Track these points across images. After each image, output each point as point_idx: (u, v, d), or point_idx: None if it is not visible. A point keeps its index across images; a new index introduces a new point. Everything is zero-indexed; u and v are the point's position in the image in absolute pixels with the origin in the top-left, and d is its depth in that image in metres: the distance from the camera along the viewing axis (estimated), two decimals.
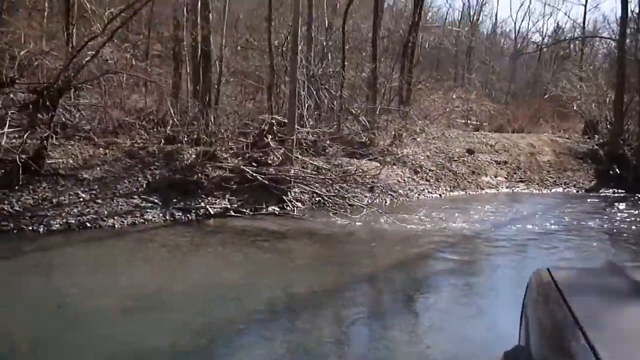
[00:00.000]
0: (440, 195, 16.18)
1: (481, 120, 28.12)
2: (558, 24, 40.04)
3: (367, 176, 15.14)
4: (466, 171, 18.28)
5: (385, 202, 14.35)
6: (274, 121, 14.65)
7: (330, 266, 8.79)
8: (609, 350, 1.06)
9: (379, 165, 16.01)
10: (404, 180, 16.45)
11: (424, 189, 16.25)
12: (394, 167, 16.96)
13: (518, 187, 18.20)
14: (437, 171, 17.63)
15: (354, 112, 18.93)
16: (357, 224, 11.54)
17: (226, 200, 12.97)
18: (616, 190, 18.17)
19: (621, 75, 21.42)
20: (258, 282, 7.77)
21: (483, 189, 17.49)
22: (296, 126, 13.88)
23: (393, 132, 18.86)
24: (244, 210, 12.45)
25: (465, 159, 19.01)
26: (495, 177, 18.62)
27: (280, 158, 14.07)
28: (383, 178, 15.94)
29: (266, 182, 12.81)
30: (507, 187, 18.02)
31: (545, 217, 13.28)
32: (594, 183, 19.20)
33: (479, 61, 39.64)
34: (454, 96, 22.66)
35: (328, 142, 16.97)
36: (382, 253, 9.90)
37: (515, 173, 19.24)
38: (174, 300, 6.83)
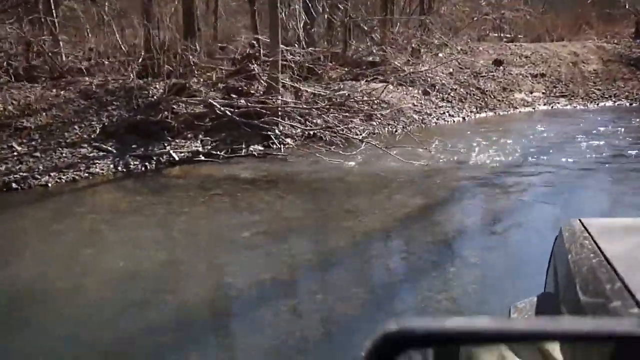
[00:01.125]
0: (464, 119, 13.14)
1: (516, 32, 24.23)
2: None
3: (373, 100, 12.25)
4: (496, 88, 15.01)
5: (396, 131, 11.49)
6: (254, 42, 11.75)
7: (302, 236, 6.19)
8: None
9: (390, 87, 13.06)
10: (421, 102, 13.44)
11: (444, 112, 13.22)
12: (410, 88, 13.94)
13: (559, 103, 14.87)
14: (461, 90, 14.47)
15: (364, 27, 15.69)
16: (353, 163, 8.86)
17: (198, 141, 10.42)
18: None
19: None
20: (187, 269, 5.28)
21: (516, 107, 14.28)
22: (280, 45, 10.96)
23: (410, 48, 15.63)
24: (218, 153, 9.89)
25: (495, 75, 15.67)
26: (531, 93, 15.30)
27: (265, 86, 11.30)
28: (395, 102, 13.02)
29: (236, 117, 10.13)
30: (545, 104, 14.73)
31: (593, 141, 10.18)
32: None
33: None
34: (483, 2, 18.91)
35: (331, 64, 14.01)
36: (374, 209, 7.14)
37: (555, 87, 15.83)
38: (40, 308, 4.47)
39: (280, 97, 10.94)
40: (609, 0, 28.95)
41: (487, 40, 20.45)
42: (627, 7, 21.16)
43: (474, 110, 13.68)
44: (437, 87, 14.28)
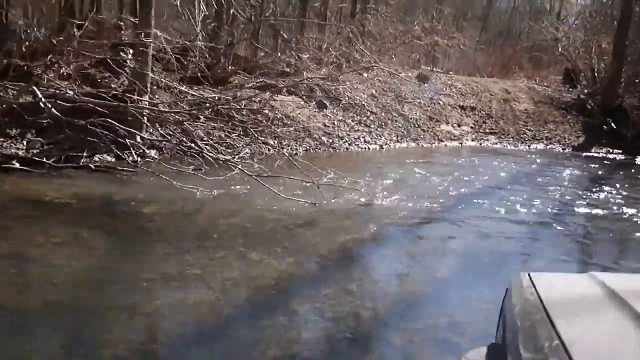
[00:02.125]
0: (381, 147, 10.78)
1: (448, 65, 22.69)
2: None
3: (276, 115, 9.70)
4: (421, 116, 12.86)
5: (296, 154, 8.94)
6: (120, 23, 8.89)
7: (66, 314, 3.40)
8: (581, 350, 1.03)
9: (302, 102, 10.59)
10: (334, 124, 11.01)
11: (359, 138, 10.83)
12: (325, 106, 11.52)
13: (488, 140, 12.89)
14: (382, 115, 12.18)
15: (280, 31, 13.18)
16: (215, 192, 6.18)
17: (23, 142, 7.44)
18: (611, 150, 13.04)
19: (629, 9, 15.98)
20: None
21: (442, 140, 12.14)
22: (154, 30, 8.18)
23: (329, 59, 13.26)
24: (45, 160, 6.93)
25: (422, 102, 13.55)
26: (459, 126, 13.26)
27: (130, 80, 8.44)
28: (303, 119, 10.53)
29: (61, 115, 7.22)
30: (473, 140, 12.69)
31: (522, 190, 8.01)
32: (582, 139, 14.01)
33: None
34: (416, 26, 16.98)
35: (232, 67, 11.37)
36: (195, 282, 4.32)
37: (484, 122, 13.91)
38: None
39: (148, 98, 8.13)
40: (539, 45, 28.31)
41: (418, 69, 18.54)
42: (560, 50, 19.92)
43: (394, 138, 11.38)
44: (355, 108, 11.93)
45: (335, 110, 11.58)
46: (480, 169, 9.25)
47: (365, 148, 10.44)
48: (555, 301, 1.34)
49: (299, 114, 10.57)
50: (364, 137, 10.86)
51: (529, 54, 26.37)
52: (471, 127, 13.35)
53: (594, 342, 1.12)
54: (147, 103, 8.11)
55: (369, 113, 11.96)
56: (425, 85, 13.91)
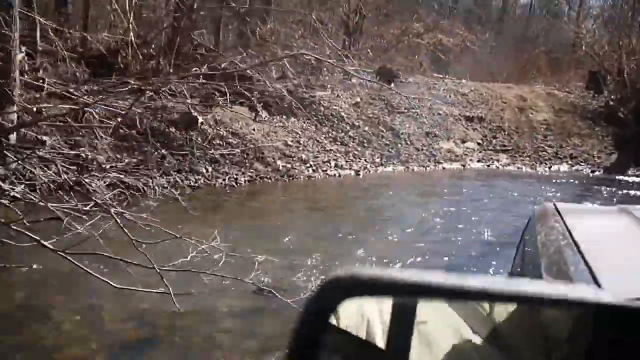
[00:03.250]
0: (357, 173, 8.09)
1: (457, 70, 19.88)
2: None
3: (219, 132, 7.14)
4: (416, 131, 10.14)
5: (240, 184, 6.35)
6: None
7: None
8: (607, 273, 0.90)
9: (261, 115, 8.06)
10: (300, 143, 8.38)
11: (329, 160, 8.16)
12: (293, 119, 8.92)
13: (498, 160, 10.10)
14: (366, 129, 9.52)
15: (242, 26, 10.57)
16: (35, 266, 3.65)
17: None
18: None
19: None
20: None
21: (440, 162, 9.38)
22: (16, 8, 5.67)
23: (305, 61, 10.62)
24: None
25: (419, 112, 10.82)
26: (463, 142, 10.49)
27: None
28: (258, 137, 7.93)
29: None
30: (480, 160, 9.92)
31: None
32: (615, 158, 11.15)
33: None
34: (416, 24, 14.23)
35: (170, 70, 8.81)
36: None
37: (495, 137, 11.12)
38: None
39: (13, 109, 5.62)
40: (559, 46, 25.27)
41: (422, 74, 15.79)
42: (584, 48, 16.98)
43: (377, 160, 8.70)
44: (332, 120, 9.30)
45: (305, 125, 8.96)
46: (487, 211, 6.47)
47: (334, 175, 7.78)
48: (582, 229, 1.23)
49: (253, 130, 7.97)
50: (336, 160, 8.20)
51: (547, 56, 23.47)
52: (478, 144, 10.57)
53: (622, 268, 0.99)
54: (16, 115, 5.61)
55: (348, 127, 9.31)
56: (393, 85, 11.04)
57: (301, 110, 9.17)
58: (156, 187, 5.59)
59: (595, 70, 17.54)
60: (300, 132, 8.57)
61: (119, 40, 7.56)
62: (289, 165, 7.56)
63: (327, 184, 7.31)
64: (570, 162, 10.48)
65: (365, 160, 8.49)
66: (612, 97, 14.99)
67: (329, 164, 7.97)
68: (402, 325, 0.80)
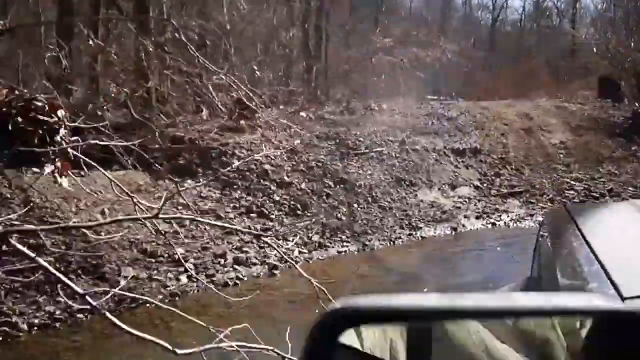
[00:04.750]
0: (273, 271, 4.65)
1: (449, 88, 16.69)
2: None
3: None
4: (381, 180, 6.69)
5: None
6: None
7: None
8: (621, 273, 0.89)
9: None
10: (185, 226, 5.00)
11: (225, 254, 4.75)
12: (190, 181, 5.57)
13: (507, 211, 6.57)
14: (302, 187, 6.12)
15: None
16: None
17: None
18: None
19: None
20: None
21: (418, 227, 5.89)
22: None
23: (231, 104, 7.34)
24: None
25: (386, 151, 7.40)
26: (453, 188, 7.00)
27: None
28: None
29: None
30: (480, 216, 6.39)
31: None
32: None
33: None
34: (385, 39, 10.97)
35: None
36: None
37: (498, 174, 7.63)
38: None
39: None
40: (558, 54, 22.00)
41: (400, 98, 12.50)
42: (595, 50, 13.63)
43: (316, 239, 5.24)
44: (249, 179, 5.94)
45: (206, 190, 5.61)
46: None
47: (229, 282, 4.33)
48: (592, 227, 1.23)
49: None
50: (240, 250, 4.77)
51: (548, 66, 20.15)
52: (475, 188, 7.09)
53: (636, 267, 0.96)
54: None
55: (274, 187, 5.92)
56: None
57: (201, 169, 5.86)
58: None
59: (606, 76, 14.22)
60: (191, 205, 5.16)
61: None
62: (145, 275, 4.15)
63: (194, 308, 3.84)
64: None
65: (294, 242, 5.05)
66: (637, 104, 11.54)
67: (222, 261, 4.54)
68: (419, 343, 0.78)
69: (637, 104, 11.72)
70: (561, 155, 8.51)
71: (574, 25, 24.51)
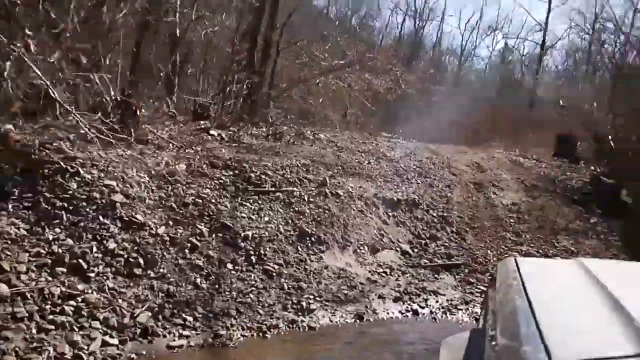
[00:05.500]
0: None
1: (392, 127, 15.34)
2: (506, 43, 27.95)
3: None
4: (278, 231, 4.89)
5: None
6: None
7: None
8: (556, 336, 0.92)
9: None
10: None
11: None
12: None
13: (436, 292, 4.91)
14: (158, 233, 4.29)
15: None
16: None
17: None
18: None
19: None
20: None
21: (305, 311, 3.99)
22: None
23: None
24: None
25: (294, 191, 5.69)
26: (375, 252, 5.32)
27: None
28: None
29: None
30: (398, 297, 4.63)
31: None
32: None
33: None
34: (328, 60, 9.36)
35: None
36: None
37: (434, 238, 6.05)
38: None
39: None
40: (518, 106, 21.23)
41: (346, 130, 10.94)
42: (561, 103, 12.56)
43: (141, 322, 3.41)
44: (68, 213, 4.07)
45: (7, 224, 3.72)
46: None
47: None
48: (537, 285, 1.23)
49: None
50: None
51: (507, 117, 19.20)
52: (402, 254, 5.42)
53: (572, 330, 1.00)
54: None
55: (113, 230, 4.07)
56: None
57: (18, 189, 3.96)
58: None
59: (564, 134, 13.28)
60: None
61: None
62: None
63: None
64: None
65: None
66: (597, 169, 10.41)
67: None
68: None
69: (594, 168, 10.59)
70: (512, 221, 7.02)
71: (537, 79, 24.11)
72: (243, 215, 4.92)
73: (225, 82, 8.88)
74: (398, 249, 5.49)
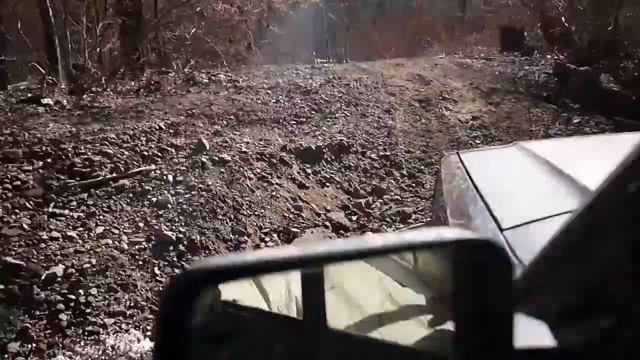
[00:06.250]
0: None
1: (332, 50, 13.22)
2: None
3: None
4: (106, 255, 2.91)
5: None
6: None
7: None
8: (503, 208, 0.97)
9: None
10: None
11: None
12: None
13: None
14: None
15: None
16: None
17: None
18: None
19: None
20: None
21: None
22: None
23: None
24: None
25: (172, 166, 3.59)
26: (291, 239, 3.45)
27: None
28: None
29: None
30: None
31: None
32: None
33: None
34: None
35: None
36: None
37: (379, 191, 4.20)
38: None
39: None
40: (452, 7, 19.21)
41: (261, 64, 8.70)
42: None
43: None
44: None
45: None
46: None
47: None
48: (480, 171, 1.27)
49: None
50: None
51: (441, 22, 17.16)
52: (333, 236, 3.54)
53: (517, 200, 1.04)
54: None
55: None
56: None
57: None
58: None
59: (508, 27, 11.64)
60: None
61: None
62: None
63: None
64: None
65: None
66: (560, 56, 8.67)
67: None
68: (312, 292, 0.73)
69: (554, 55, 8.87)
70: (478, 141, 5.19)
71: None
72: (54, 235, 2.83)
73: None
74: (328, 223, 3.56)
